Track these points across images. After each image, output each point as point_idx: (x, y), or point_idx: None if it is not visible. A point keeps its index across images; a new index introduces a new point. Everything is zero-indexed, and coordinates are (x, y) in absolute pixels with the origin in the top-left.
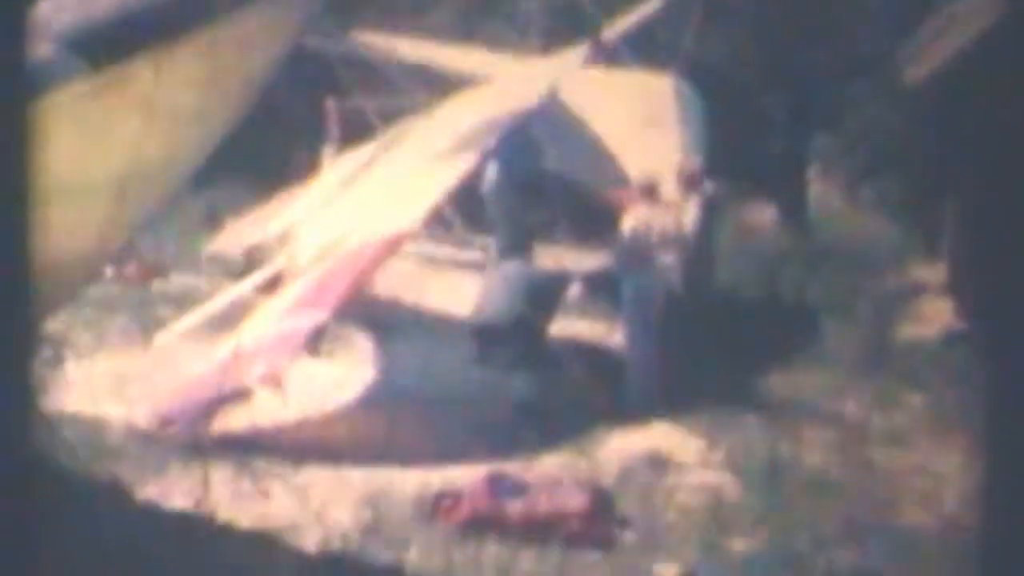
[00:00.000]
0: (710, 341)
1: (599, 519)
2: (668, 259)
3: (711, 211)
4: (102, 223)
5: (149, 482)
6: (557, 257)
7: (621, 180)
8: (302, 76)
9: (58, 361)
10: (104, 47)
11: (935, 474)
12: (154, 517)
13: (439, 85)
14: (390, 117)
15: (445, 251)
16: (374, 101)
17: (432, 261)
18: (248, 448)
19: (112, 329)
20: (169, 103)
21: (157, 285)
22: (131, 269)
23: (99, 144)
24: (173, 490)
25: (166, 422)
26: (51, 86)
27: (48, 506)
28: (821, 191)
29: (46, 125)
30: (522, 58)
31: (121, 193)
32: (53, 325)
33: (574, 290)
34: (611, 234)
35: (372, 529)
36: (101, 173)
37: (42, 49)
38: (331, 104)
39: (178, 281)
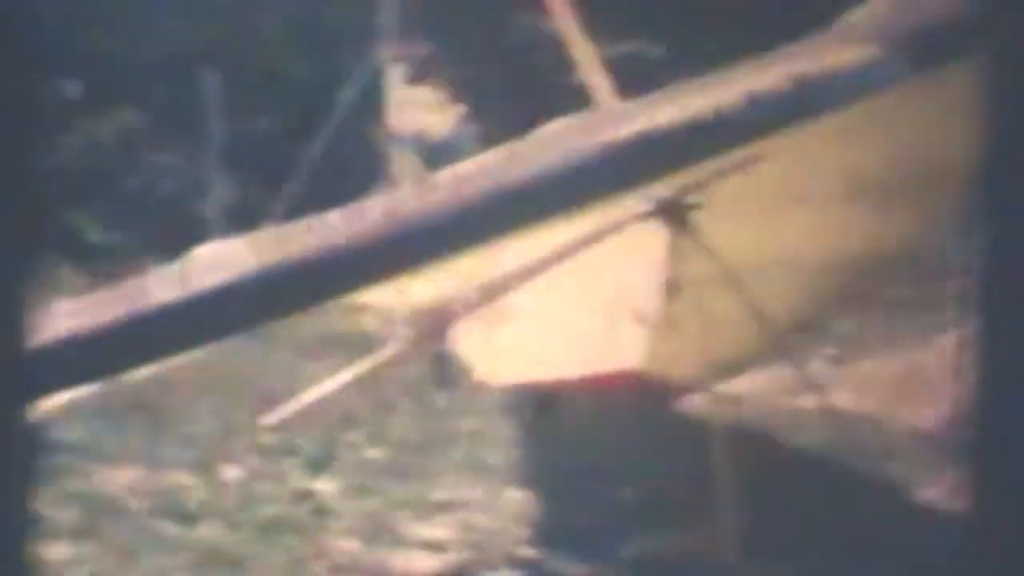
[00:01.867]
0: None
1: None
2: None
3: None
4: (909, 223)
5: (925, 484)
6: None
7: None
8: None
9: (845, 360)
10: (929, 51)
11: None
12: (928, 519)
13: None
14: None
15: None
16: None
17: None
18: None
19: (902, 329)
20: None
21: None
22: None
23: (922, 141)
24: (949, 493)
25: (945, 426)
26: (874, 87)
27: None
28: None
29: (864, 124)
30: None
31: (927, 193)
32: (841, 323)
33: None
34: None
35: None
36: (926, 168)
37: (869, 51)
38: None
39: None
